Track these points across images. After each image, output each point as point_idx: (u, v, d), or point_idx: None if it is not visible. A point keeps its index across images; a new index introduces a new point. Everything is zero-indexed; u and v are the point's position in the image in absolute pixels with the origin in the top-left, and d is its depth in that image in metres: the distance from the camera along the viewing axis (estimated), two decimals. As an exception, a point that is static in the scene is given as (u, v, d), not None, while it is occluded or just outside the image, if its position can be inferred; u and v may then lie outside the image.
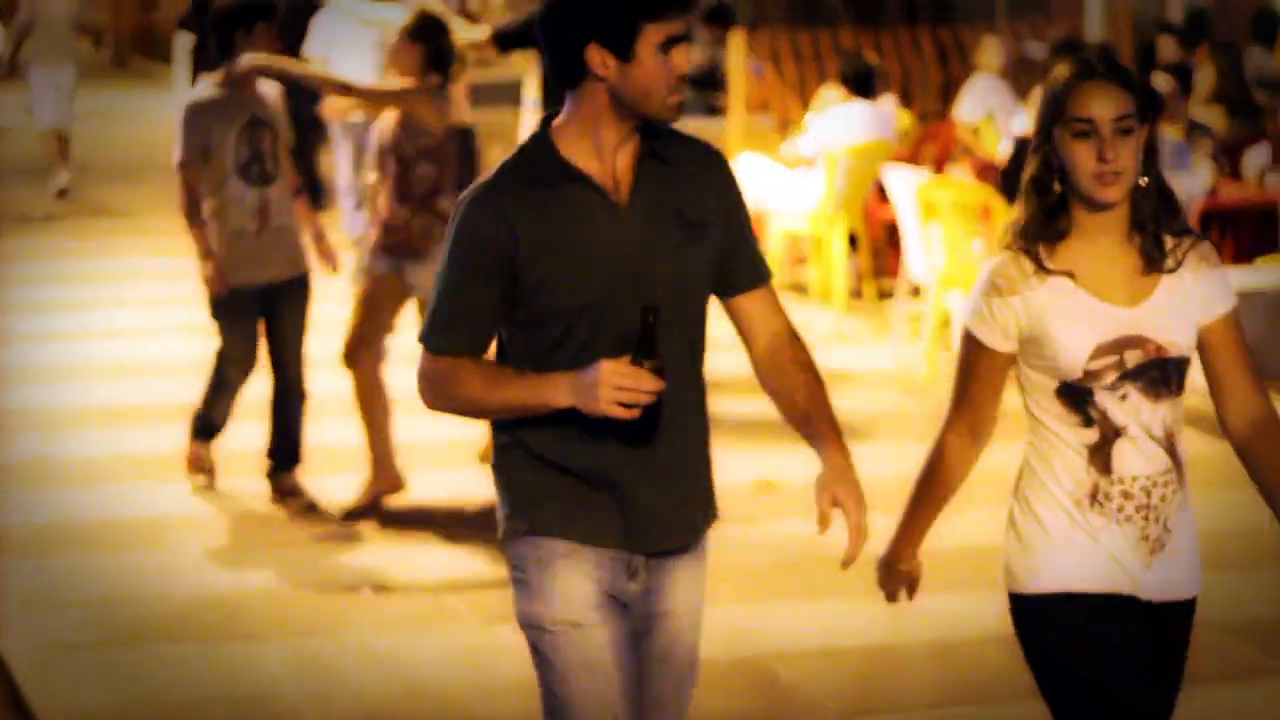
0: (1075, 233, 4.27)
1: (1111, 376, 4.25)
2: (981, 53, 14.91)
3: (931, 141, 14.51)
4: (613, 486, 4.25)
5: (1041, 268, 4.25)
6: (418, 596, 7.69)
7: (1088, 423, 4.30)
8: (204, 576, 7.93)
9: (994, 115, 14.40)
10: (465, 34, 10.47)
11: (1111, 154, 4.17)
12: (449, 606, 7.56)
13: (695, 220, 4.22)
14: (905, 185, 11.41)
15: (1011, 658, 6.94)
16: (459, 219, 4.13)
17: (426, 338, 4.20)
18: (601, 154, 4.14)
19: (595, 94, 4.10)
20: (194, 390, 10.83)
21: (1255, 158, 11.97)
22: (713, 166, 4.31)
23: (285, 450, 8.77)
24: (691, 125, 16.18)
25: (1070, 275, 4.24)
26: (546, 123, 4.19)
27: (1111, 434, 4.27)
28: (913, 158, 13.97)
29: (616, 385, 4.02)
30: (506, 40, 10.27)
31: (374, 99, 9.03)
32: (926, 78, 16.14)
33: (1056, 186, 4.25)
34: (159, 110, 25.07)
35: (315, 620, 7.43)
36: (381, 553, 8.18)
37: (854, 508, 4.32)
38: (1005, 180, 11.88)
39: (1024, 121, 12.76)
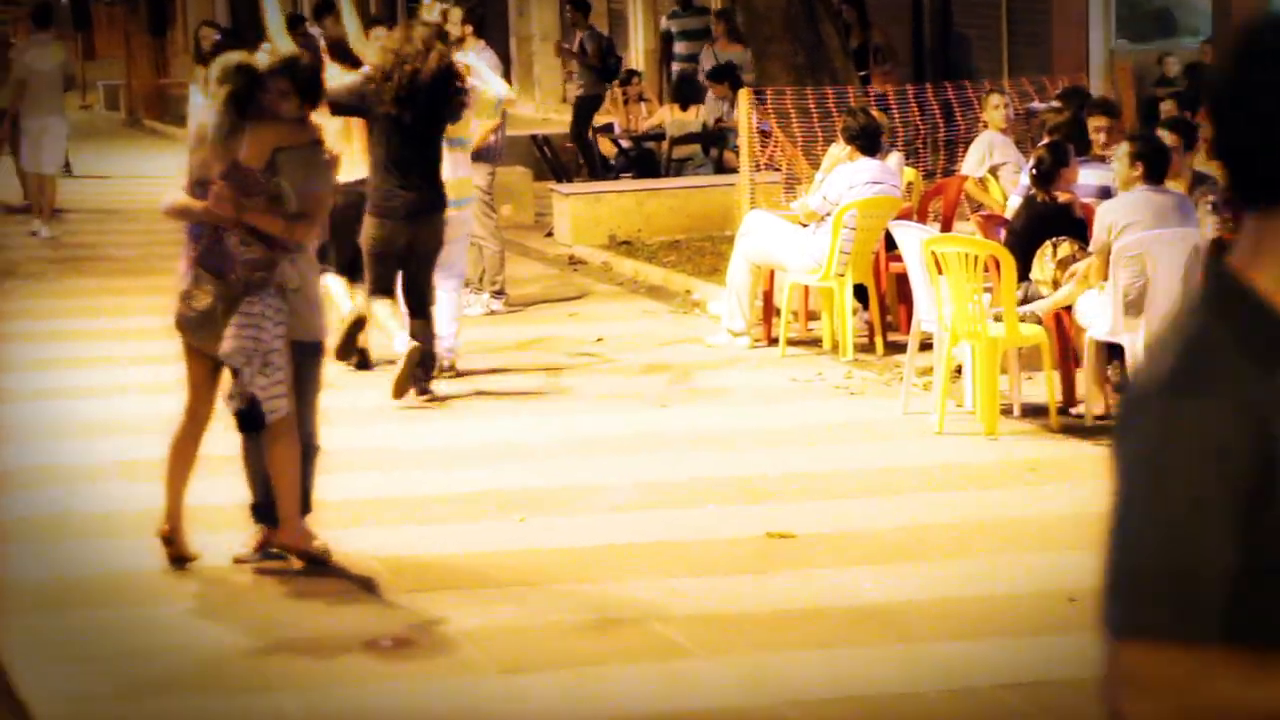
0: None
1: None
2: (987, 109, 15.04)
3: (938, 197, 14.63)
4: None
5: None
6: (436, 647, 7.75)
7: None
8: (220, 629, 7.99)
9: (999, 171, 14.52)
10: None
11: None
12: (468, 657, 7.63)
13: None
14: (913, 240, 11.52)
15: (1025, 703, 7.03)
16: (1172, 422, 2.67)
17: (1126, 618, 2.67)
18: None
19: None
20: (208, 442, 10.93)
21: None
22: None
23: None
24: (701, 182, 16.28)
25: None
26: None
27: None
28: (920, 213, 14.09)
29: None
30: (338, 108, 11.55)
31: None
32: (933, 134, 16.26)
33: None
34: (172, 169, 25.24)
35: (333, 673, 7.50)
36: (399, 604, 8.25)
37: None
38: (1011, 235, 11.99)
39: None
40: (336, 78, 11.87)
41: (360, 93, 11.68)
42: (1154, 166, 11.09)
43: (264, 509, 8.68)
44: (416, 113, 11.57)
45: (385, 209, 11.72)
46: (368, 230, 11.84)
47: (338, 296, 12.35)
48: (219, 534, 9.23)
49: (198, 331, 8.52)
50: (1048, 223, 11.77)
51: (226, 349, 8.37)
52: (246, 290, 8.39)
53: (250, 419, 8.50)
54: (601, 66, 22.92)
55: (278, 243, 8.45)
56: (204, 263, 8.49)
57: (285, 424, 8.45)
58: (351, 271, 12.35)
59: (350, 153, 12.18)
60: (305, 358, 8.57)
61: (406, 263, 11.81)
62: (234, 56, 8.76)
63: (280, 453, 8.49)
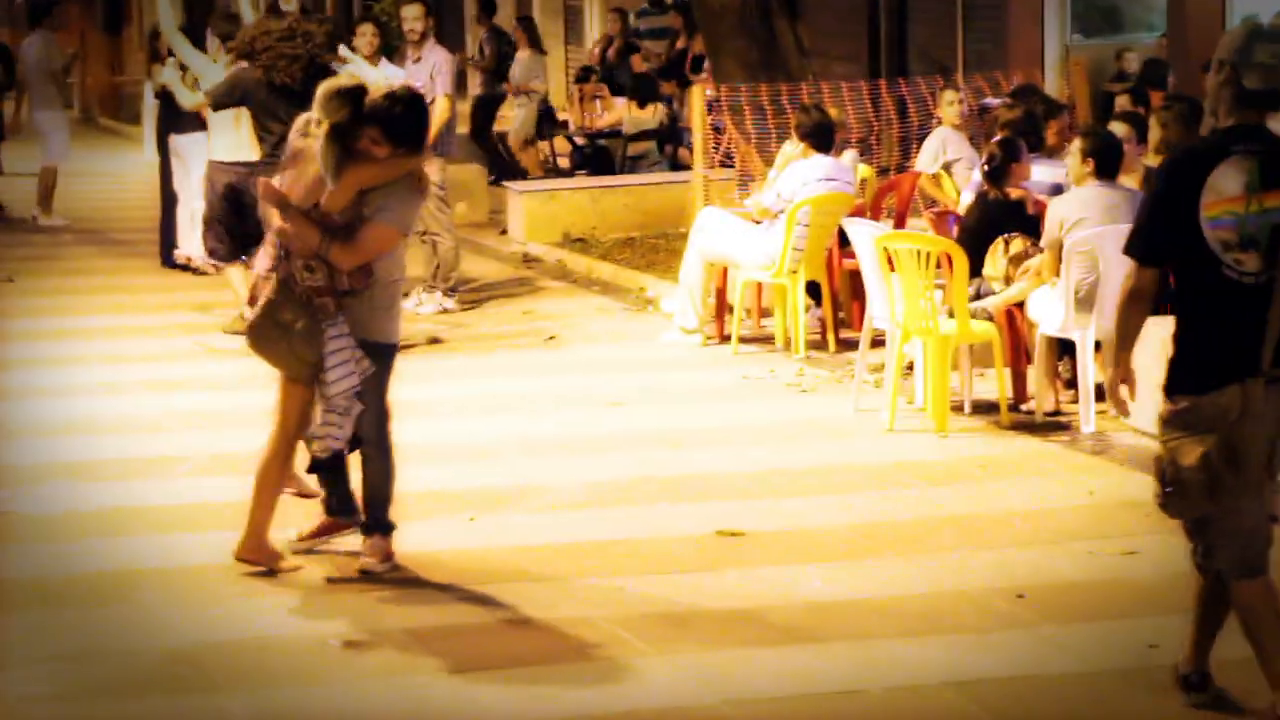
0: None
1: None
2: (942, 105, 15.05)
3: (892, 193, 14.64)
4: None
5: None
6: (386, 648, 7.73)
7: None
8: (170, 630, 7.96)
9: (953, 167, 14.54)
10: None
11: None
12: (416, 658, 7.61)
13: None
14: (866, 237, 11.52)
15: (971, 701, 7.04)
16: None
17: None
18: None
19: None
20: (157, 444, 10.91)
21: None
22: None
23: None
24: (656, 180, 16.27)
25: None
26: None
27: None
28: (873, 209, 14.10)
29: None
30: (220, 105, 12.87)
31: None
32: (887, 131, 16.27)
33: None
34: (129, 168, 25.18)
35: (283, 672, 7.47)
36: (349, 604, 8.22)
37: None
38: (964, 231, 12.01)
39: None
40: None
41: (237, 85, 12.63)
42: (1105, 162, 11.11)
43: (370, 522, 8.64)
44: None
45: None
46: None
47: (238, 286, 12.76)
48: (169, 535, 9.21)
49: (269, 344, 8.45)
50: (1000, 219, 11.79)
51: (333, 390, 8.32)
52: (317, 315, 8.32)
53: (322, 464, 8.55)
54: (496, 69, 23.03)
55: (343, 274, 8.34)
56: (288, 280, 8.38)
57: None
58: (246, 252, 12.96)
59: (239, 135, 13.17)
60: (376, 359, 8.47)
61: None
62: (337, 82, 8.39)
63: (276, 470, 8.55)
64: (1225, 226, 6.47)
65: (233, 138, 13.81)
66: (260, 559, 8.55)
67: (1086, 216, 10.97)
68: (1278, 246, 6.45)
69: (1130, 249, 6.69)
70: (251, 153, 13.10)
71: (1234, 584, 6.68)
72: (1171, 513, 6.73)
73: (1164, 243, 6.58)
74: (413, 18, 15.40)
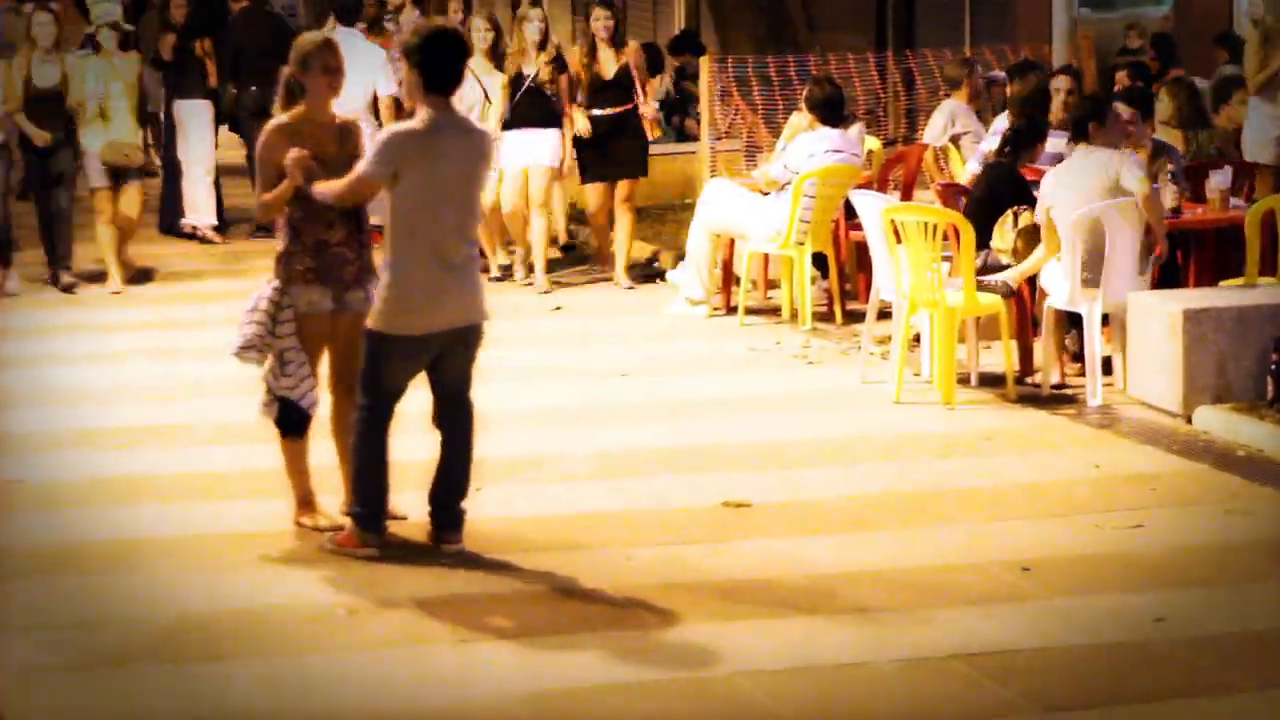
0: None
1: None
2: (961, 80, 14.99)
3: (898, 165, 14.63)
4: None
5: None
6: (392, 617, 7.74)
7: None
8: (177, 598, 7.97)
9: (960, 140, 14.52)
10: None
11: None
12: (423, 627, 7.62)
13: None
14: (872, 209, 11.51)
15: (978, 672, 7.05)
16: None
17: None
18: None
19: None
20: (170, 413, 10.93)
21: (1218, 180, 12.10)
22: None
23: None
24: (662, 151, 16.23)
25: None
26: None
27: None
28: (880, 182, 14.09)
29: None
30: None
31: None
32: (894, 103, 16.25)
33: None
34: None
35: (289, 641, 7.49)
36: (355, 573, 8.23)
37: None
38: (971, 203, 12.00)
39: (991, 145, 12.88)
40: None
41: None
42: (1078, 126, 11.21)
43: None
44: None
45: None
46: None
47: None
48: (176, 504, 9.23)
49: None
50: (1007, 191, 11.78)
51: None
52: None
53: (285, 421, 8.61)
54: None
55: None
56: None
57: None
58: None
59: None
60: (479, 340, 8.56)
61: None
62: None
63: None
64: None
65: None
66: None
67: (1057, 198, 11.00)
68: None
69: None
70: None
71: None
72: None
73: None
74: None
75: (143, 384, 11.78)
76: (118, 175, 14.85)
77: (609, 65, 14.77)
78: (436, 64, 8.24)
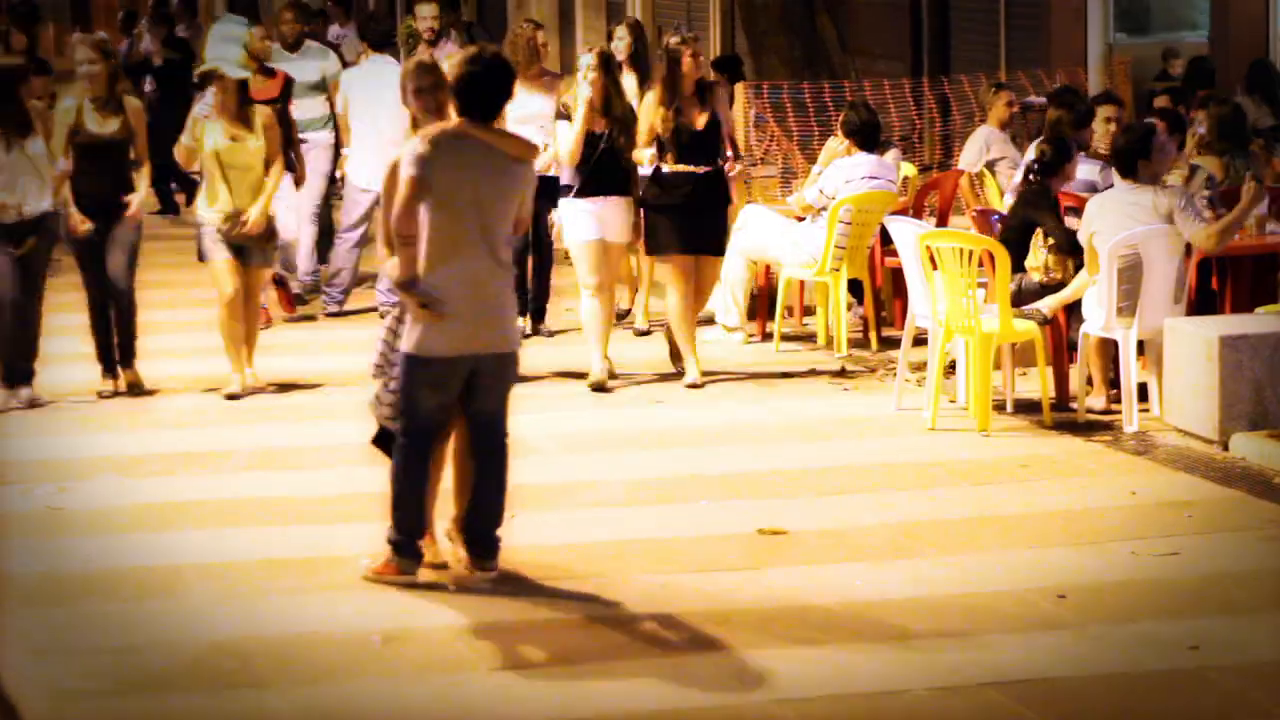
0: None
1: None
2: (996, 105, 14.98)
3: (934, 191, 14.62)
4: None
5: None
6: (427, 644, 7.75)
7: None
8: (215, 625, 7.99)
9: (995, 166, 14.52)
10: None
11: None
12: (458, 654, 7.63)
13: None
14: (908, 235, 11.51)
15: (1014, 700, 7.04)
16: None
17: None
18: None
19: None
20: (208, 439, 10.95)
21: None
22: None
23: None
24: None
25: None
26: None
27: None
28: (916, 208, 14.09)
29: None
30: None
31: None
32: (929, 129, 16.26)
33: None
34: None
35: (323, 668, 7.49)
36: (390, 600, 8.24)
37: None
38: (1006, 230, 11.98)
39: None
40: None
41: None
42: (1124, 162, 11.16)
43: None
44: None
45: None
46: None
47: None
48: (214, 530, 9.25)
49: None
50: (1041, 213, 11.74)
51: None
52: None
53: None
54: None
55: None
56: None
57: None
58: None
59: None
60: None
61: None
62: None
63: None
64: None
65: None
66: None
67: (1102, 224, 10.98)
68: None
69: None
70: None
71: None
72: None
73: None
74: (427, 15, 15.48)
75: (181, 409, 11.81)
76: None
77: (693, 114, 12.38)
78: (474, 94, 8.28)
